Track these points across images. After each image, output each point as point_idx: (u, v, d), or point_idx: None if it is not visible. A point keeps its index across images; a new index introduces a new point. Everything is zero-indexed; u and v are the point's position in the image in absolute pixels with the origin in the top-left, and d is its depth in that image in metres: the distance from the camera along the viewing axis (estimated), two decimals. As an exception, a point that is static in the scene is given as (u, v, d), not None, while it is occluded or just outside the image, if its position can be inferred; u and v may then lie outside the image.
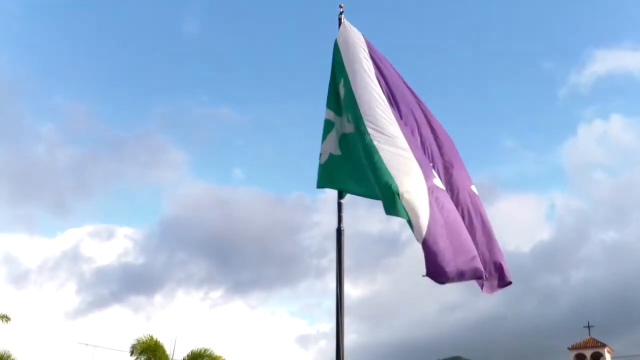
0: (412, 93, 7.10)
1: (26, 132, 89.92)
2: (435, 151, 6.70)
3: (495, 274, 6.22)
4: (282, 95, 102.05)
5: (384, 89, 6.75)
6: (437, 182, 6.12)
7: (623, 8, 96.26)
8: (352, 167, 6.54)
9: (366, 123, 6.24)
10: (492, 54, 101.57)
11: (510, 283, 6.27)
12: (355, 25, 7.28)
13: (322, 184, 6.91)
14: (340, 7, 7.32)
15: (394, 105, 6.67)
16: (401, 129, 6.35)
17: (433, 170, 6.27)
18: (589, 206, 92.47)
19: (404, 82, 7.15)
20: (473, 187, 6.70)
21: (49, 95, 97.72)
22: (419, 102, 7.07)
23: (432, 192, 5.81)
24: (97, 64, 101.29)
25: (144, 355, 28.47)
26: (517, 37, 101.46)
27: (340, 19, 7.28)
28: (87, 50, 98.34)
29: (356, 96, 6.54)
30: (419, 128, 6.74)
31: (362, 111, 6.37)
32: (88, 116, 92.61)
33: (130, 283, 78.15)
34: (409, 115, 6.76)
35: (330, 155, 6.86)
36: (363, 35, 7.20)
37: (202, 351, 29.65)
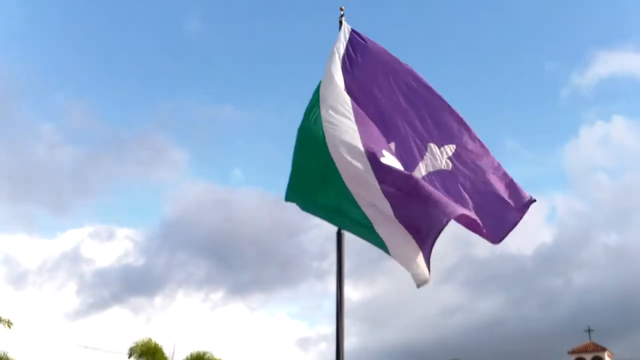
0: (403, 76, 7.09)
1: (26, 131, 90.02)
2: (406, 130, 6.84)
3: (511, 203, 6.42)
4: (283, 95, 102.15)
5: (349, 82, 6.86)
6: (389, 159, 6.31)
7: (626, 9, 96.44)
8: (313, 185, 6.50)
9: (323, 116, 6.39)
10: (494, 55, 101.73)
11: (533, 200, 6.43)
12: (355, 28, 7.26)
13: (289, 196, 6.67)
14: (341, 9, 7.31)
15: (355, 97, 6.74)
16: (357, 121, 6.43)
17: (384, 151, 6.37)
18: (591, 209, 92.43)
19: (392, 67, 7.12)
20: (451, 147, 6.77)
21: (49, 94, 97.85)
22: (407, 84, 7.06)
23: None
24: (97, 62, 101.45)
25: (143, 358, 28.45)
26: (520, 38, 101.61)
27: (341, 22, 7.27)
28: (87, 49, 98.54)
29: (321, 94, 6.65)
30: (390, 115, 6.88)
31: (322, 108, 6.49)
32: (88, 115, 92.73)
33: (131, 284, 78.11)
34: (375, 104, 6.90)
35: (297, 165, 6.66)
36: (352, 31, 7.21)
37: (202, 354, 29.64)
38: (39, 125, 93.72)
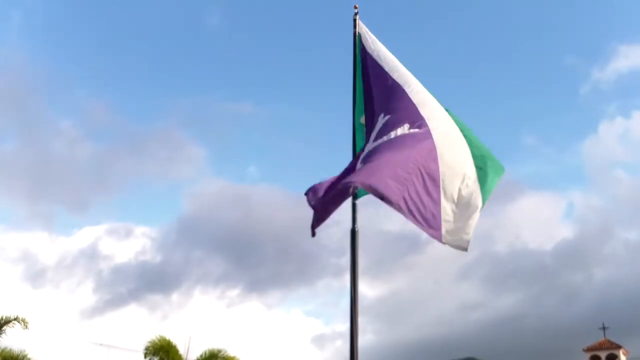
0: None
1: (46, 127, 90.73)
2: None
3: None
4: (301, 92, 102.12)
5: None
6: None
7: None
8: None
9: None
10: (514, 49, 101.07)
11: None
12: (370, 27, 7.41)
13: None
14: (355, 7, 7.43)
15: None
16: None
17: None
18: (610, 205, 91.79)
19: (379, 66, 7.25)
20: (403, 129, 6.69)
21: (69, 91, 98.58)
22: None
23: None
24: (117, 59, 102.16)
25: (156, 356, 28.59)
26: (539, 32, 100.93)
27: (355, 20, 7.39)
28: (107, 46, 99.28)
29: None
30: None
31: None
32: (108, 111, 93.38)
33: (148, 281, 78.72)
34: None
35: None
36: (362, 33, 7.33)
37: (216, 352, 29.75)
38: (58, 121, 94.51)
